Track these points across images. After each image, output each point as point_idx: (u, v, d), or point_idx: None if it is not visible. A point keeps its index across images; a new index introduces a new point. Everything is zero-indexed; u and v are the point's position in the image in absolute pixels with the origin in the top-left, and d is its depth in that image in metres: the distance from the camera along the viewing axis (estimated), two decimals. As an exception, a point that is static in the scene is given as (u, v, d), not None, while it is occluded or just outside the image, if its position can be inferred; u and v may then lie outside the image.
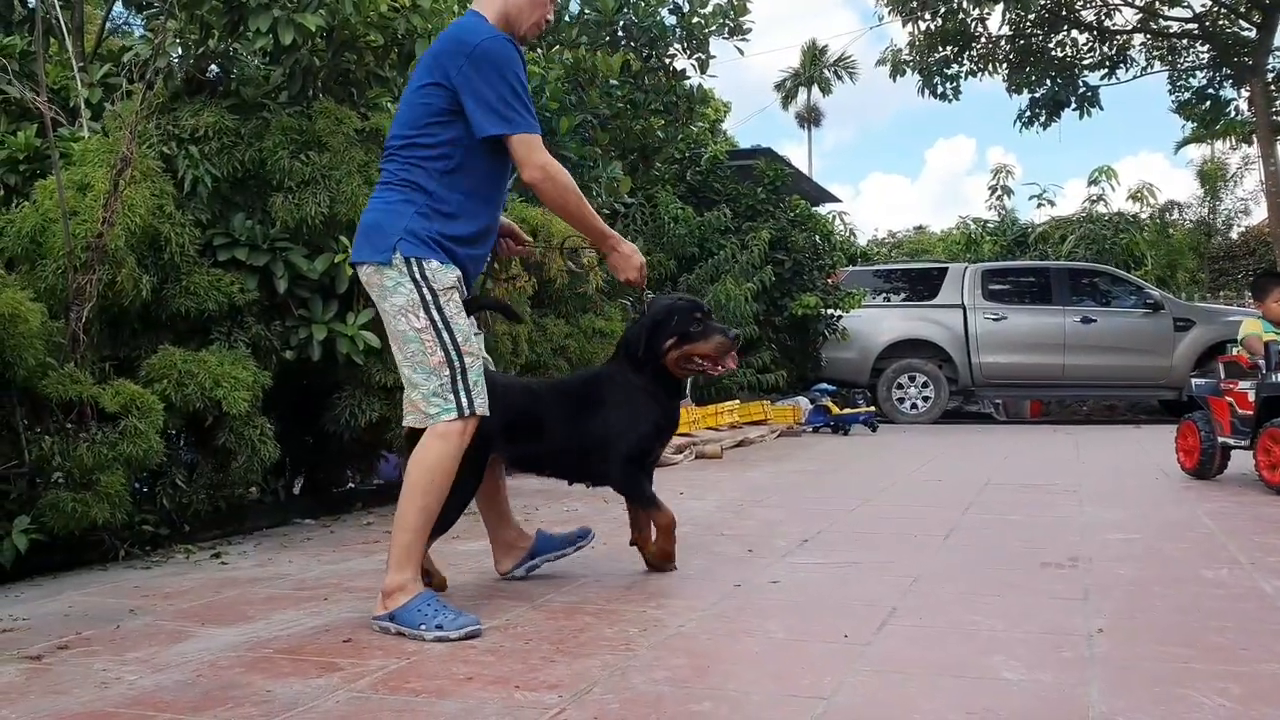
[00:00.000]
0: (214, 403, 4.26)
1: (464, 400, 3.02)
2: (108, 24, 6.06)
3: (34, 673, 2.64)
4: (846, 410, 11.19)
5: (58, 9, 4.96)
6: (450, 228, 3.09)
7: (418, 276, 3.02)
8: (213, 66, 5.19)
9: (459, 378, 3.02)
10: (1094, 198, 20.00)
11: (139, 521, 4.18)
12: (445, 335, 3.01)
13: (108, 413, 3.95)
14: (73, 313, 4.07)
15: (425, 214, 3.06)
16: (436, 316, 3.01)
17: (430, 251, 3.04)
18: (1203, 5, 17.83)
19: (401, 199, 3.08)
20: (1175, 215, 24.11)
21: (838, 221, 17.07)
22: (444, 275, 3.05)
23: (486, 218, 3.21)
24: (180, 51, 5.09)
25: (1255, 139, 18.52)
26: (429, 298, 3.01)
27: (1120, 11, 18.51)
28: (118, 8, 5.95)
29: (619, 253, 3.37)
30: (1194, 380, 6.83)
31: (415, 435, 3.12)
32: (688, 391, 10.29)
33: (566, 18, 9.52)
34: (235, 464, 4.47)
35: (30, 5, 5.31)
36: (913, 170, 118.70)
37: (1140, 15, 18.44)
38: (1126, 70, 18.74)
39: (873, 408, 11.61)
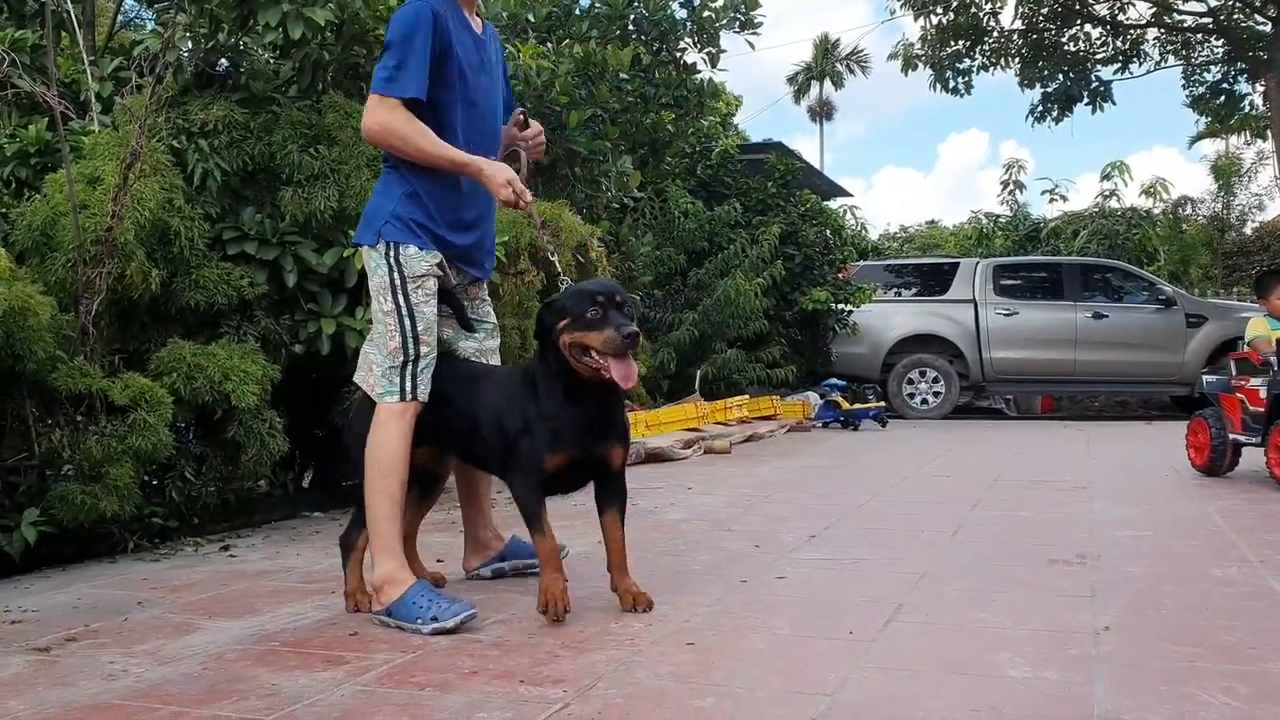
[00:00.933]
0: (223, 396, 4.28)
1: (408, 386, 3.14)
2: (118, 18, 6.08)
3: (42, 664, 2.66)
4: (856, 405, 11.16)
5: (69, 3, 4.97)
6: (432, 209, 3.17)
7: (392, 261, 3.14)
8: (222, 60, 5.19)
9: (409, 364, 3.13)
10: (1106, 193, 19.94)
11: (148, 514, 4.20)
12: (408, 323, 3.13)
13: (117, 406, 3.96)
14: (82, 306, 4.09)
15: (411, 195, 3.17)
16: (402, 302, 3.13)
17: (410, 236, 3.14)
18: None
19: (394, 180, 3.21)
20: (1188, 210, 24.03)
21: (849, 216, 17.05)
22: (417, 262, 3.14)
23: (466, 200, 3.26)
24: (190, 45, 5.10)
25: (1270, 134, 18.41)
26: (398, 283, 3.13)
27: (1134, 5, 18.42)
28: (128, 1, 5.97)
29: (484, 176, 3.14)
30: (1205, 377, 6.80)
31: (360, 414, 3.26)
32: (696, 386, 10.28)
33: (577, 11, 9.51)
34: (244, 457, 4.48)
35: (42, -1, 5.33)
36: (925, 164, 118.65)
37: (1154, 9, 18.35)
38: (1140, 65, 18.68)
39: (883, 403, 11.59)
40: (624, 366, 2.90)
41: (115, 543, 4.10)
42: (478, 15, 3.36)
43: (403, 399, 3.14)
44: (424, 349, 3.15)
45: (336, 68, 5.17)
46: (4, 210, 4.28)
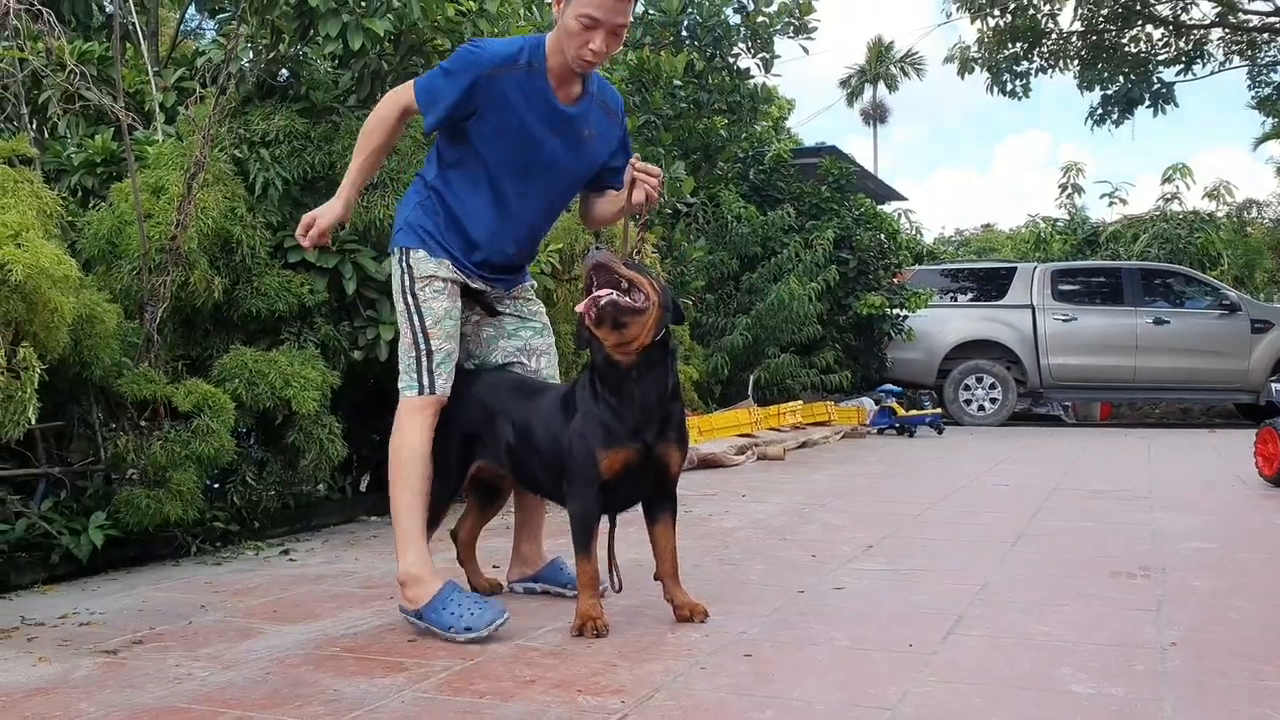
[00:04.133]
0: (284, 402, 4.33)
1: (425, 380, 3.17)
2: (181, 29, 6.19)
3: (110, 667, 2.71)
4: (912, 412, 11.06)
5: (134, 15, 5.07)
6: (442, 220, 3.21)
7: (404, 264, 3.22)
8: (283, 71, 5.26)
9: (424, 359, 3.18)
10: (1168, 196, 19.57)
11: (210, 518, 4.26)
12: (415, 319, 3.19)
13: (181, 411, 4.03)
14: (147, 313, 4.16)
15: (424, 204, 3.25)
16: (410, 301, 3.20)
17: (418, 241, 3.21)
18: (1284, -3, 17.36)
19: (413, 189, 3.33)
20: (1254, 214, 23.46)
21: (903, 220, 16.90)
22: (425, 264, 3.20)
23: (488, 227, 3.23)
24: (252, 56, 5.17)
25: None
26: (407, 284, 3.21)
27: (1197, 5, 18.05)
28: (191, 13, 6.07)
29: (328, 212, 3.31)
30: (1274, 384, 6.66)
31: None
32: (750, 391, 10.24)
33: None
34: (304, 462, 4.53)
35: (108, 11, 5.44)
36: (982, 167, 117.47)
37: (1218, 9, 17.98)
38: (1204, 65, 18.28)
39: (939, 409, 11.47)
40: (590, 304, 2.85)
41: (178, 546, 4.17)
42: (586, 86, 3.23)
43: (420, 393, 3.17)
44: (435, 343, 3.17)
45: (395, 77, 5.20)
46: (71, 219, 4.36)
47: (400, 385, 3.21)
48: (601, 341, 2.93)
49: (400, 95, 3.22)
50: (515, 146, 3.16)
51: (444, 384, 3.19)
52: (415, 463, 3.14)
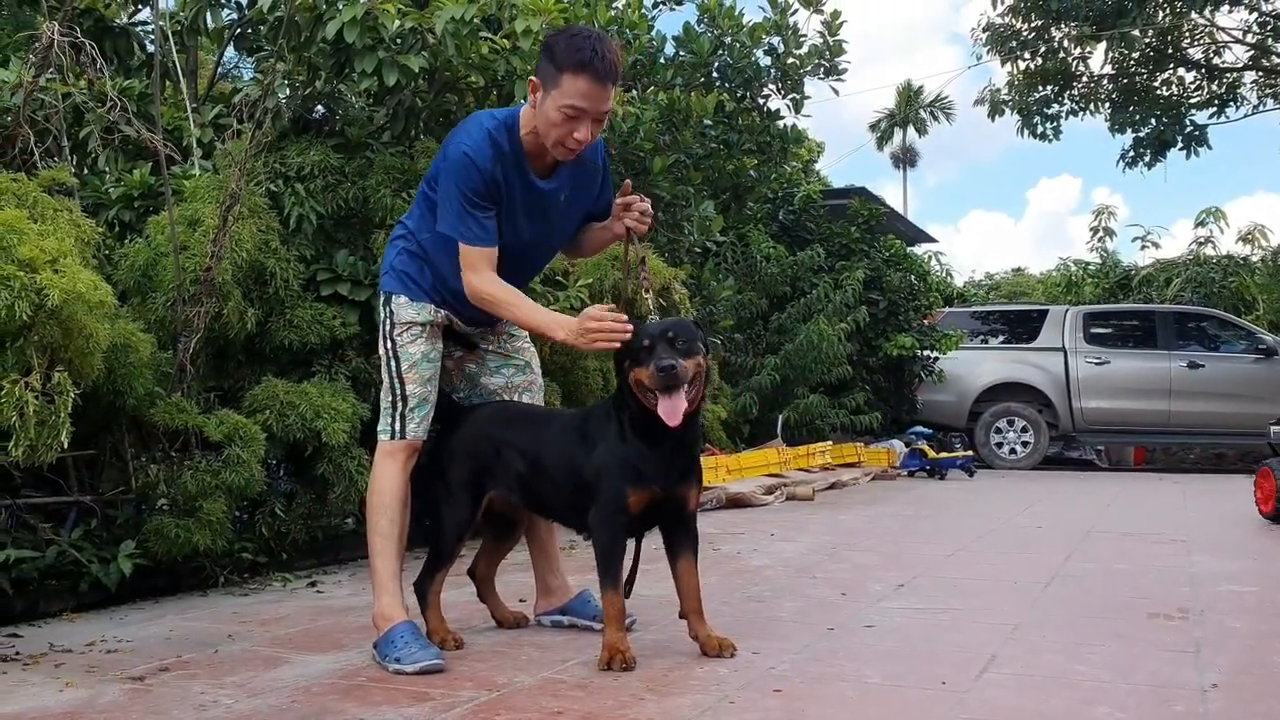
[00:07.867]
0: (314, 433, 4.35)
1: (397, 425, 3.21)
2: (219, 68, 6.29)
3: (136, 693, 2.70)
4: (943, 454, 10.95)
5: (174, 53, 5.17)
6: (426, 267, 3.22)
7: (387, 310, 3.26)
8: (319, 107, 5.33)
9: (399, 403, 3.21)
10: (1201, 240, 19.40)
11: (238, 549, 4.26)
12: (393, 364, 3.23)
13: (211, 442, 4.05)
14: (180, 344, 4.20)
15: (409, 250, 3.25)
16: (389, 346, 3.24)
17: (401, 286, 3.24)
18: (1318, 42, 17.28)
19: (397, 233, 3.33)
20: (1289, 258, 23.24)
21: (933, 262, 16.86)
22: (405, 310, 3.23)
23: (454, 272, 3.20)
24: (288, 92, 5.25)
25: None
26: (387, 329, 3.25)
27: (1230, 48, 18.01)
28: (229, 52, 6.18)
29: (561, 335, 3.01)
30: (1274, 428, 6.53)
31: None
32: (779, 431, 10.19)
33: (662, 59, 9.60)
34: (333, 494, 4.54)
35: (149, 50, 5.54)
36: (1015, 210, 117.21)
37: (1251, 52, 17.93)
38: (1237, 108, 18.20)
39: (970, 452, 11.35)
40: (667, 402, 2.85)
41: (206, 576, 4.17)
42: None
43: (392, 438, 3.21)
44: (410, 388, 3.20)
45: (429, 114, 5.28)
46: (108, 252, 4.42)
47: (378, 429, 3.26)
48: (649, 401, 2.91)
49: (483, 261, 3.06)
50: (505, 231, 3.16)
51: (416, 429, 3.22)
52: (387, 508, 3.18)
